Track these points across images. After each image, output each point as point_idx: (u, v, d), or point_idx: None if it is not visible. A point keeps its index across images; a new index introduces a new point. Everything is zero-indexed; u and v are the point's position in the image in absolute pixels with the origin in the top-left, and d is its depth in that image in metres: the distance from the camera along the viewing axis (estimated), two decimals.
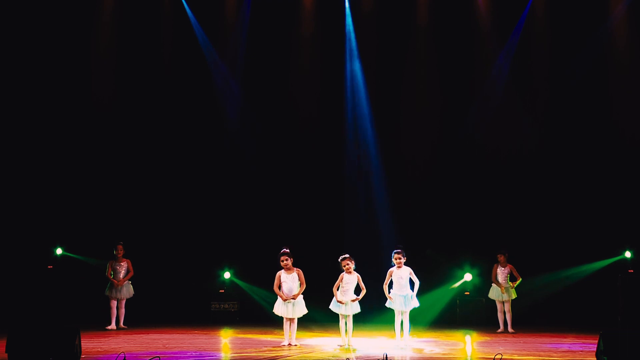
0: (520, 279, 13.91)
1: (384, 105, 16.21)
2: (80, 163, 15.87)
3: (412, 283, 11.63)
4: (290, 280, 11.59)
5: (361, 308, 11.48)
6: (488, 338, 12.94)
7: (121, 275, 13.96)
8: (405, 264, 11.69)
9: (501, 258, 13.97)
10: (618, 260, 14.94)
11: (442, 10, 15.99)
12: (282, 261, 11.59)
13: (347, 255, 11.49)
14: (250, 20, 16.19)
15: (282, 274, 11.65)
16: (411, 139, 16.18)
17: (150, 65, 16.12)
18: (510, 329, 13.81)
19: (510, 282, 13.88)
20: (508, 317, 13.89)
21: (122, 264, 14.04)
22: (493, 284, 14.03)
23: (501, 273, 13.93)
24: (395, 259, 11.62)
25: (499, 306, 14.02)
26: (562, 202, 15.67)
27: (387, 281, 11.61)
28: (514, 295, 13.89)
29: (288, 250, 11.67)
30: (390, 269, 11.66)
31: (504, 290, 13.83)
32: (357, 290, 11.46)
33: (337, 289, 11.44)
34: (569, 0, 15.69)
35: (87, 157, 15.92)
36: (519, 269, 14.03)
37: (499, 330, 13.85)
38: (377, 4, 16.21)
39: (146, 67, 16.10)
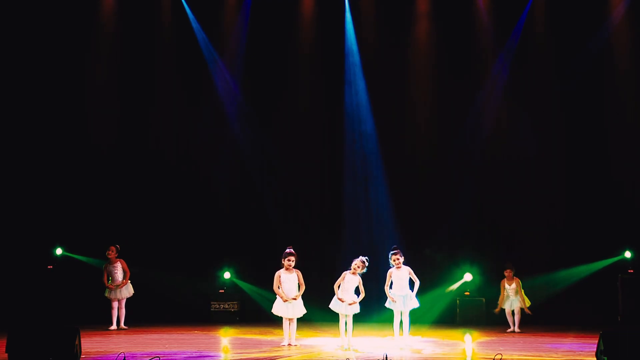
0: (528, 304, 13.86)
1: (384, 105, 16.18)
2: (80, 162, 15.85)
3: (412, 283, 11.63)
4: (290, 281, 11.58)
5: (361, 308, 11.41)
6: (488, 338, 12.94)
7: (119, 277, 13.95)
8: (405, 264, 11.69)
9: (507, 273, 13.90)
10: (618, 260, 14.92)
11: (442, 10, 15.97)
12: (288, 261, 11.56)
13: (364, 259, 11.23)
14: (250, 20, 16.19)
15: (282, 274, 11.63)
16: (411, 139, 16.17)
17: (150, 65, 16.10)
18: (516, 329, 13.78)
19: (519, 295, 13.82)
20: (517, 318, 13.81)
21: (116, 265, 14.01)
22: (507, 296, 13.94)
23: (510, 289, 13.85)
24: (394, 260, 11.59)
25: (507, 310, 13.96)
26: (562, 202, 15.65)
27: (387, 283, 11.59)
28: (528, 303, 13.84)
29: (294, 251, 11.67)
30: (390, 270, 11.64)
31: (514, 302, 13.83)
32: (357, 293, 11.38)
33: (339, 287, 11.33)
34: (569, 0, 15.69)
35: (87, 157, 15.90)
36: (520, 269, 14.05)
37: (509, 330, 13.80)
38: (377, 3, 16.20)
39: (146, 66, 16.09)
